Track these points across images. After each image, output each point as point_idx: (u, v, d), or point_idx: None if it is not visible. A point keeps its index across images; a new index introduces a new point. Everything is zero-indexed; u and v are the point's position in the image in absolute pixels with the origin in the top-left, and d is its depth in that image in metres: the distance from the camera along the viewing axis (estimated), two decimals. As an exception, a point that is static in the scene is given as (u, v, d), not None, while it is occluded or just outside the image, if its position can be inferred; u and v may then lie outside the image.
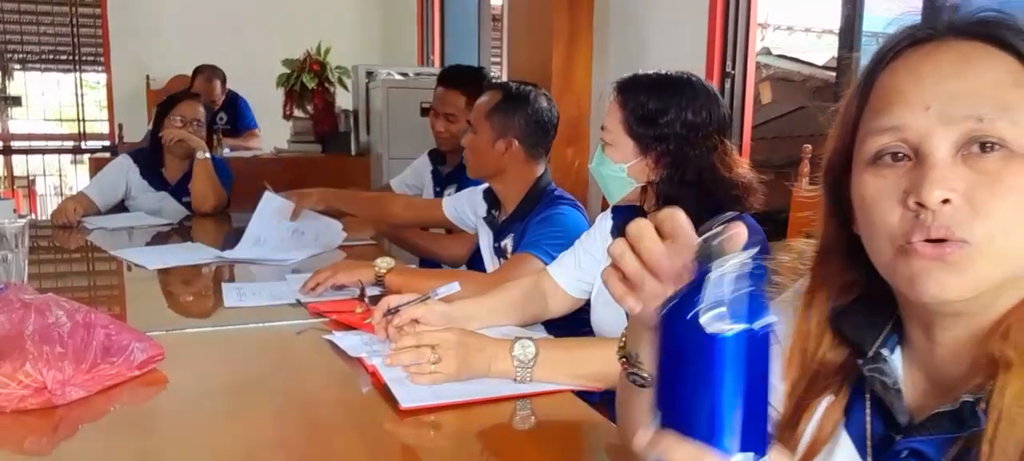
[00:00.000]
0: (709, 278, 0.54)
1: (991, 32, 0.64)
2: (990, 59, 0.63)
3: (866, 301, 0.71)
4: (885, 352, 0.70)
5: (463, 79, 2.70)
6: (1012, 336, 0.61)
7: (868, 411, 0.71)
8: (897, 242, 0.64)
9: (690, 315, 0.53)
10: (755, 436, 0.52)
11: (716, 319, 0.52)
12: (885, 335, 0.70)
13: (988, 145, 0.61)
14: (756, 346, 0.52)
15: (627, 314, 0.73)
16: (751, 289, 0.53)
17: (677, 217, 0.65)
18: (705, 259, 0.55)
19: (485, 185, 2.12)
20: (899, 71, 0.66)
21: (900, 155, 0.64)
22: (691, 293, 0.54)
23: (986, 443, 0.59)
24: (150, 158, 3.05)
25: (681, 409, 0.53)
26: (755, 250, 0.55)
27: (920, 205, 0.61)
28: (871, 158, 0.66)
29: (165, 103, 3.08)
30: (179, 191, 3.05)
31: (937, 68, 0.64)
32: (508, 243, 1.97)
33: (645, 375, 0.73)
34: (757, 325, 0.52)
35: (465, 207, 2.23)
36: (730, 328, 0.51)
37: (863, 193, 0.66)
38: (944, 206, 0.61)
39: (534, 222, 1.87)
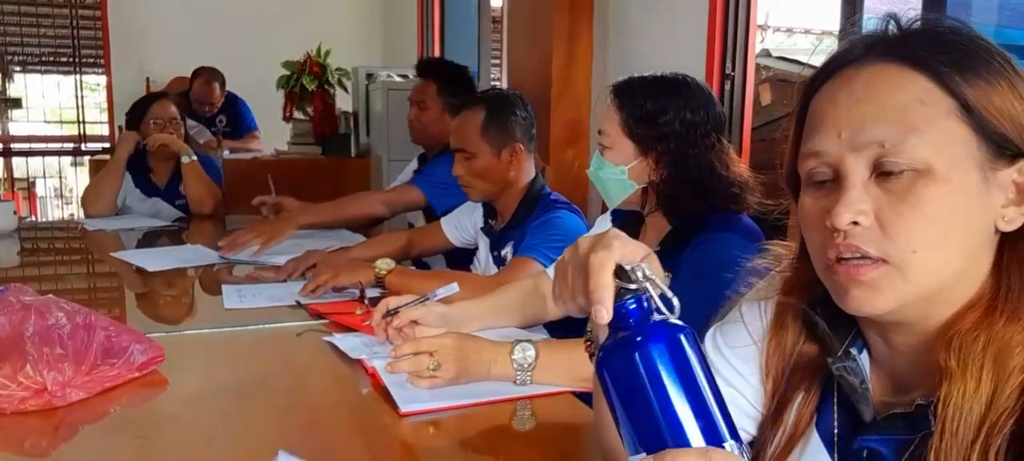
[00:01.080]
0: (619, 310, 0.59)
1: (908, 52, 0.65)
2: (900, 81, 0.64)
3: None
4: (854, 351, 0.71)
5: (433, 67, 2.82)
6: (954, 346, 0.62)
7: (835, 409, 0.73)
8: (821, 262, 0.68)
9: (616, 348, 0.57)
10: (727, 426, 0.55)
11: (639, 340, 0.56)
12: (853, 334, 0.72)
13: (896, 168, 0.62)
14: (682, 347, 0.56)
15: None
16: (653, 306, 0.59)
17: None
18: (616, 296, 0.60)
19: None
20: (823, 96, 0.69)
21: (825, 179, 0.67)
22: (612, 330, 0.60)
23: (932, 452, 0.61)
24: (138, 164, 3.01)
25: (649, 432, 0.55)
26: (646, 269, 0.60)
27: (834, 227, 0.64)
28: (805, 180, 0.70)
29: (136, 107, 3.02)
30: (170, 194, 3.04)
31: (850, 93, 0.66)
32: (508, 251, 1.96)
33: None
34: (677, 333, 0.56)
35: (466, 224, 2.21)
36: (653, 345, 0.55)
37: (801, 212, 0.70)
38: (854, 228, 0.64)
39: (532, 227, 1.87)
